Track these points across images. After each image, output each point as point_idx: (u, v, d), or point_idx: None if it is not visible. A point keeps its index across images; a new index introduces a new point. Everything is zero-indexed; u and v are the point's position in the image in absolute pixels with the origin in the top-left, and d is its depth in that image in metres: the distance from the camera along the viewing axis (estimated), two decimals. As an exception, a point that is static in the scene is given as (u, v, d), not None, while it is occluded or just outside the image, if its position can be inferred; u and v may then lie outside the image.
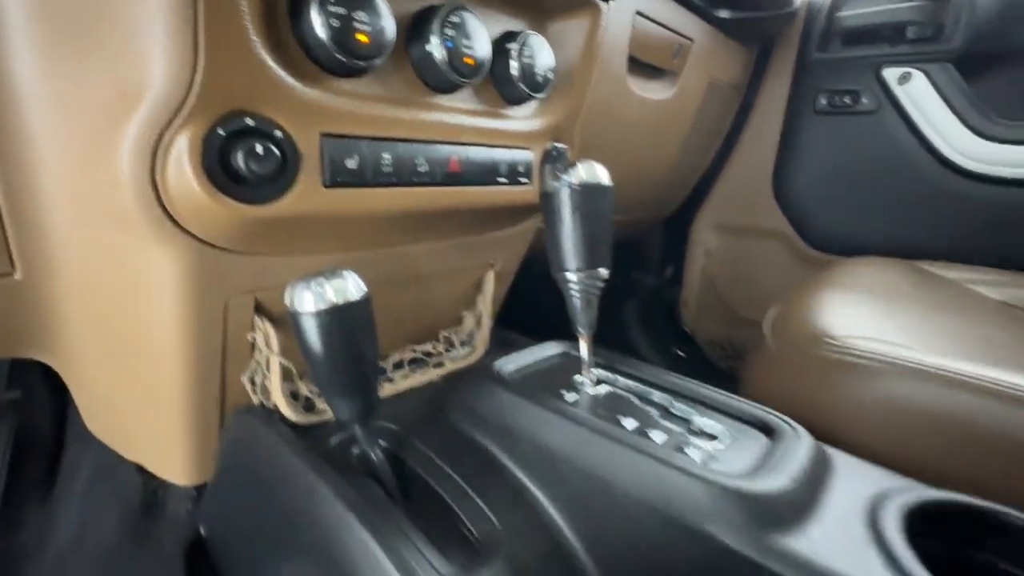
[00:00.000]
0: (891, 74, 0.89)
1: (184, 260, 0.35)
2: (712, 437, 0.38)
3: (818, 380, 0.46)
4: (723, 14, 0.84)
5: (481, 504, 0.37)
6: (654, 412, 0.41)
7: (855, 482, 0.34)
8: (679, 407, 0.42)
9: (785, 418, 0.39)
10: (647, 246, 1.29)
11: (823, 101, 0.97)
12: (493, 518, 0.36)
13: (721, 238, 1.15)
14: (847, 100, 0.94)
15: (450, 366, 0.57)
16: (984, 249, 0.82)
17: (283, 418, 0.43)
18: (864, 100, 0.92)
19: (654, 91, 0.82)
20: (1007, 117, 0.81)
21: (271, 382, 0.43)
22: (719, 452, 0.36)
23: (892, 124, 0.90)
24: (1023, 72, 0.82)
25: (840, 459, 0.37)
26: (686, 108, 0.91)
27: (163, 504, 0.53)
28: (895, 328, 0.49)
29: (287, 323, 0.37)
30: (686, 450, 0.36)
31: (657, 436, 0.37)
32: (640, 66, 0.77)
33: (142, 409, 0.48)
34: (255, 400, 0.45)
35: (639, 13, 0.70)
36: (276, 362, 0.42)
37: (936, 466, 0.39)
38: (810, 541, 0.29)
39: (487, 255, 0.60)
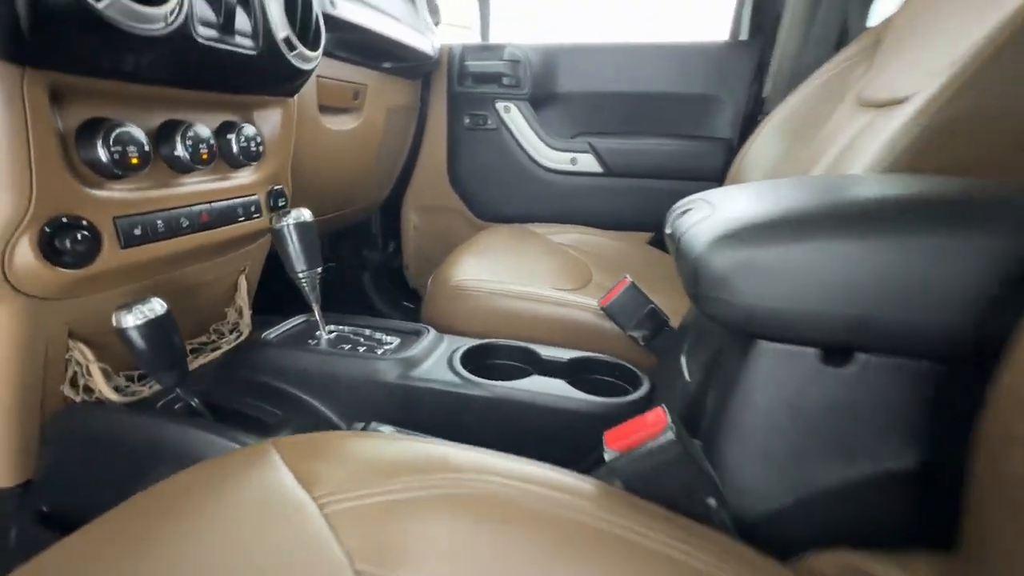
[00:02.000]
0: (501, 106, 1.41)
1: (19, 311, 0.53)
2: (389, 343, 0.76)
3: (447, 305, 0.89)
4: (386, 65, 1.19)
5: (270, 408, 0.67)
6: (361, 339, 0.77)
7: (451, 346, 0.77)
8: (376, 334, 0.79)
9: (427, 327, 0.80)
10: (371, 228, 1.62)
11: (467, 120, 1.44)
12: (278, 413, 0.66)
13: (422, 216, 1.57)
14: (480, 121, 1.42)
15: (226, 348, 0.81)
16: (557, 213, 1.42)
17: (110, 403, 0.63)
18: (489, 122, 1.42)
19: (344, 123, 1.13)
20: (554, 134, 1.41)
21: (94, 382, 0.62)
22: (390, 348, 0.74)
23: (506, 138, 1.43)
24: (559, 108, 1.42)
25: (449, 339, 0.80)
26: (373, 129, 1.25)
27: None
28: (488, 269, 0.96)
29: (96, 340, 0.58)
30: (376, 350, 0.73)
31: (360, 349, 0.73)
32: (330, 108, 1.07)
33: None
34: (78, 399, 0.63)
35: (320, 76, 0.99)
36: (96, 367, 0.61)
37: (494, 333, 0.85)
38: (423, 370, 0.69)
39: (239, 264, 0.85)
